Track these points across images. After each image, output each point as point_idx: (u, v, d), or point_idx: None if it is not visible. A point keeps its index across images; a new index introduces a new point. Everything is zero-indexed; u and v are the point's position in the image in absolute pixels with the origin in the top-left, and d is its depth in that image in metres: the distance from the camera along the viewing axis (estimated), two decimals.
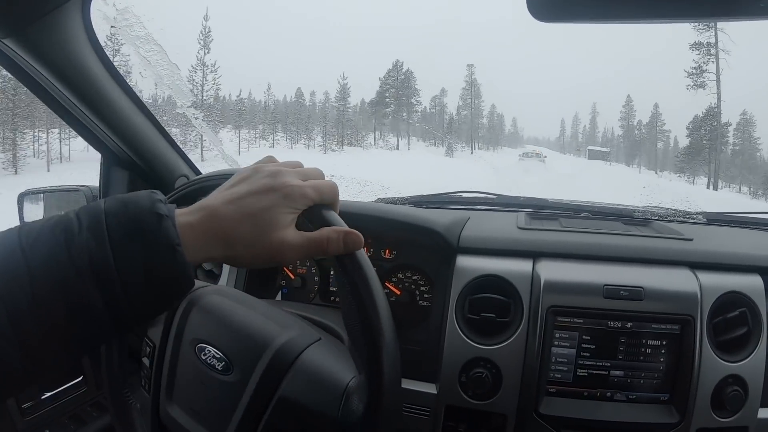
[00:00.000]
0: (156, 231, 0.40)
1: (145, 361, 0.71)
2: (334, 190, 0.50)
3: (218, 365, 0.60)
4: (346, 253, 0.48)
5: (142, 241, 0.39)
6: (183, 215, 0.43)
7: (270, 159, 0.51)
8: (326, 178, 0.51)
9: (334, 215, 0.49)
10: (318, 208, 0.48)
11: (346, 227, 0.48)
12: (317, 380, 0.55)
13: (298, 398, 0.55)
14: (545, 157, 22.08)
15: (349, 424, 0.52)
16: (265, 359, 0.57)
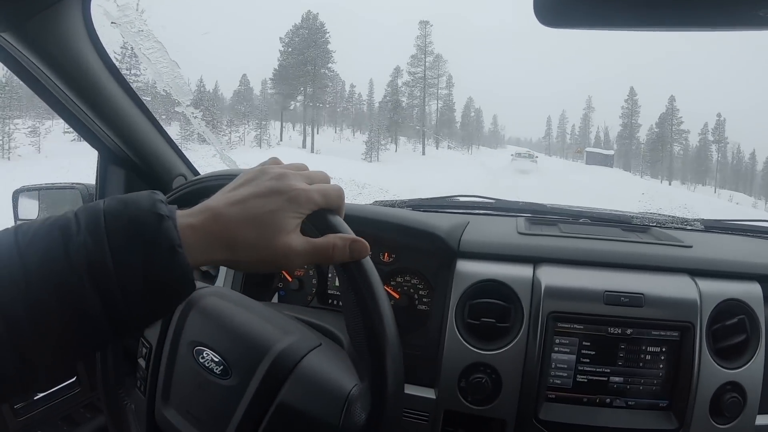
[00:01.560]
0: (156, 232, 0.38)
1: (141, 362, 0.70)
2: (340, 194, 0.49)
3: (216, 369, 0.59)
4: (352, 260, 0.47)
5: (142, 241, 0.38)
6: (184, 216, 0.41)
7: (275, 161, 0.50)
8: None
9: (340, 221, 0.48)
10: (323, 213, 0.47)
11: (352, 234, 0.47)
12: (318, 387, 0.55)
13: (298, 405, 0.54)
14: (537, 157, 21.75)
15: None
16: (265, 364, 0.56)
